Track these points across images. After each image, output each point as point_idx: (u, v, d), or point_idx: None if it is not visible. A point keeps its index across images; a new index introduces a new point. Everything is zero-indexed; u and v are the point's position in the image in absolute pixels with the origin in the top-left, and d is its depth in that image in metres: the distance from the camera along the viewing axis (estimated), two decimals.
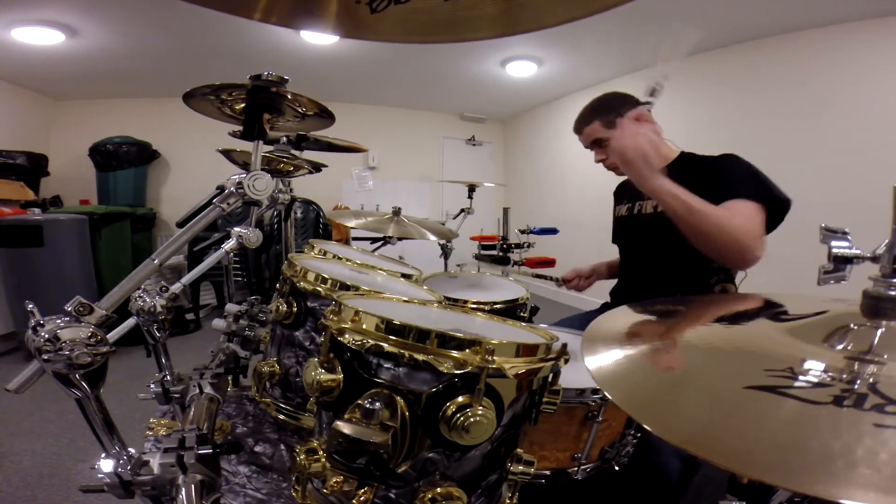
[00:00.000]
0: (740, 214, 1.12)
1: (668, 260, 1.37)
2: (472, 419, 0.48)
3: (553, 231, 2.48)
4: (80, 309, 0.56)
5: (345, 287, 0.76)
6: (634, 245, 1.59)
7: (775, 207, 1.19)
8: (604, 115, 1.45)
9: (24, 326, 0.55)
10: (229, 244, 0.92)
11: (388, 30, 0.66)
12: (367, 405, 0.47)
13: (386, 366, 0.51)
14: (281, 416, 0.81)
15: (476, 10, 0.62)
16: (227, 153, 1.33)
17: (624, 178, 1.64)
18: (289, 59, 3.96)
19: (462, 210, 2.45)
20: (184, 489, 0.55)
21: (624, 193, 1.66)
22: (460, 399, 0.49)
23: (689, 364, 0.51)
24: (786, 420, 0.36)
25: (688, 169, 1.37)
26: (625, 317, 0.69)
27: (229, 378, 1.03)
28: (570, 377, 0.74)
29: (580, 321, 1.48)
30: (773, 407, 0.38)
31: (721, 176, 1.26)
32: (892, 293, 0.48)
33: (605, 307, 1.60)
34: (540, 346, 0.55)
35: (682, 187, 1.10)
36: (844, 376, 0.42)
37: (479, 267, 2.13)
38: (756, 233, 1.12)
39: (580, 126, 1.51)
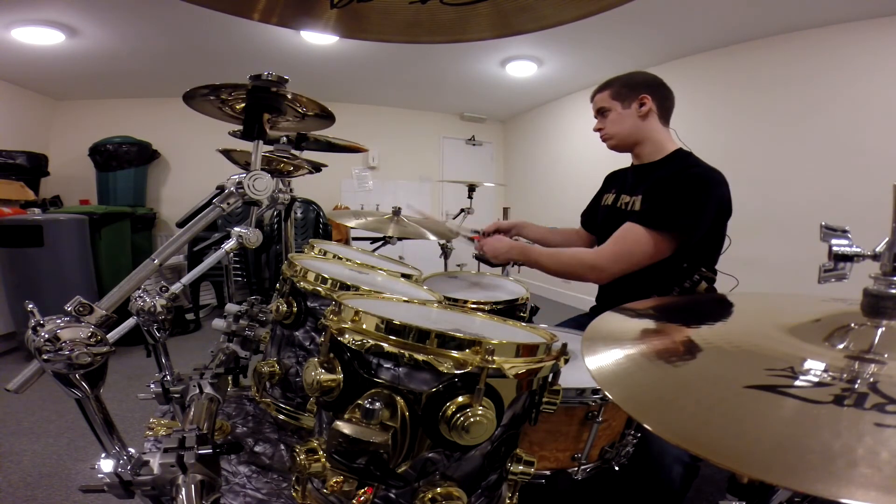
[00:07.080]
0: (617, 242, 1.33)
1: None
2: (472, 419, 0.48)
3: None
4: (80, 309, 0.56)
5: (345, 287, 0.76)
6: None
7: (687, 232, 1.29)
8: (616, 87, 1.49)
9: (24, 326, 0.54)
10: (229, 244, 0.92)
11: (387, 30, 0.66)
12: (367, 405, 0.47)
13: (386, 366, 0.51)
14: (281, 416, 0.81)
15: (476, 10, 0.62)
16: (227, 153, 1.32)
17: (620, 166, 1.66)
18: (289, 59, 3.96)
19: (462, 210, 2.45)
20: (184, 489, 0.55)
21: (614, 182, 1.65)
22: (460, 399, 0.49)
23: (690, 363, 0.50)
24: (786, 419, 0.36)
25: (669, 168, 1.39)
26: (624, 317, 0.69)
27: (229, 378, 1.02)
28: (570, 377, 0.74)
29: (578, 322, 1.48)
30: (773, 406, 0.38)
31: (653, 193, 1.35)
32: (893, 291, 0.48)
33: (593, 310, 1.60)
34: (540, 346, 0.56)
35: (546, 250, 1.47)
36: (845, 375, 0.42)
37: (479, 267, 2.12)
38: (615, 257, 1.31)
39: (595, 93, 1.55)
